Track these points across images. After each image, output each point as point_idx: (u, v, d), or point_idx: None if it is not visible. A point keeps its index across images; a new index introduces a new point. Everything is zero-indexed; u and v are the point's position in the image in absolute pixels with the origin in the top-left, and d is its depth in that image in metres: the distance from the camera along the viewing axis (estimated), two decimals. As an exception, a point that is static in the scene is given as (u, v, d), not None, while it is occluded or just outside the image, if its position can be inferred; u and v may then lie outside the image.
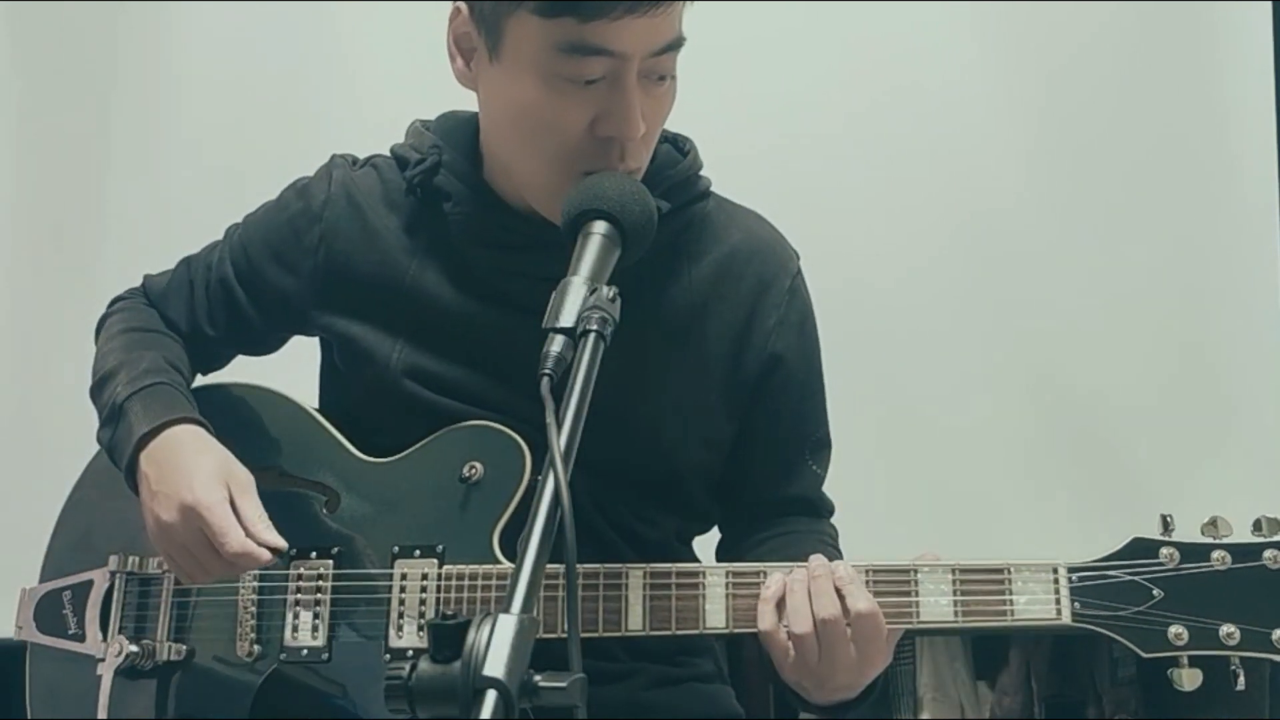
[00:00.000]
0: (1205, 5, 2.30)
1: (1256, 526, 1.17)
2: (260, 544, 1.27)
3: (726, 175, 1.47)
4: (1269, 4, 2.28)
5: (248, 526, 1.28)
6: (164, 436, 1.34)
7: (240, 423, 1.46)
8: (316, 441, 1.41)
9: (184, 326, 1.51)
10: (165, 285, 1.54)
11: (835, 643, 1.18)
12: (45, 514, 1.54)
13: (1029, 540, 2.12)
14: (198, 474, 1.29)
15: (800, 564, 1.23)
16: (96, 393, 1.44)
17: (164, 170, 2.42)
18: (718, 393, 1.40)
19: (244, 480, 1.32)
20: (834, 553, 1.40)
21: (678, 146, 1.43)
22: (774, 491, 1.44)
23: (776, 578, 1.22)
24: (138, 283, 1.58)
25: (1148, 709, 2.31)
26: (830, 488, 1.48)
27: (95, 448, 1.46)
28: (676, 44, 1.27)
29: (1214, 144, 2.28)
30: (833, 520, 1.48)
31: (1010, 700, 2.36)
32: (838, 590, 1.19)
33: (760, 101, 2.30)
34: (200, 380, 1.54)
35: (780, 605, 1.21)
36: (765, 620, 1.21)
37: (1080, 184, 2.29)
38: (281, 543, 1.28)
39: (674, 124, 1.40)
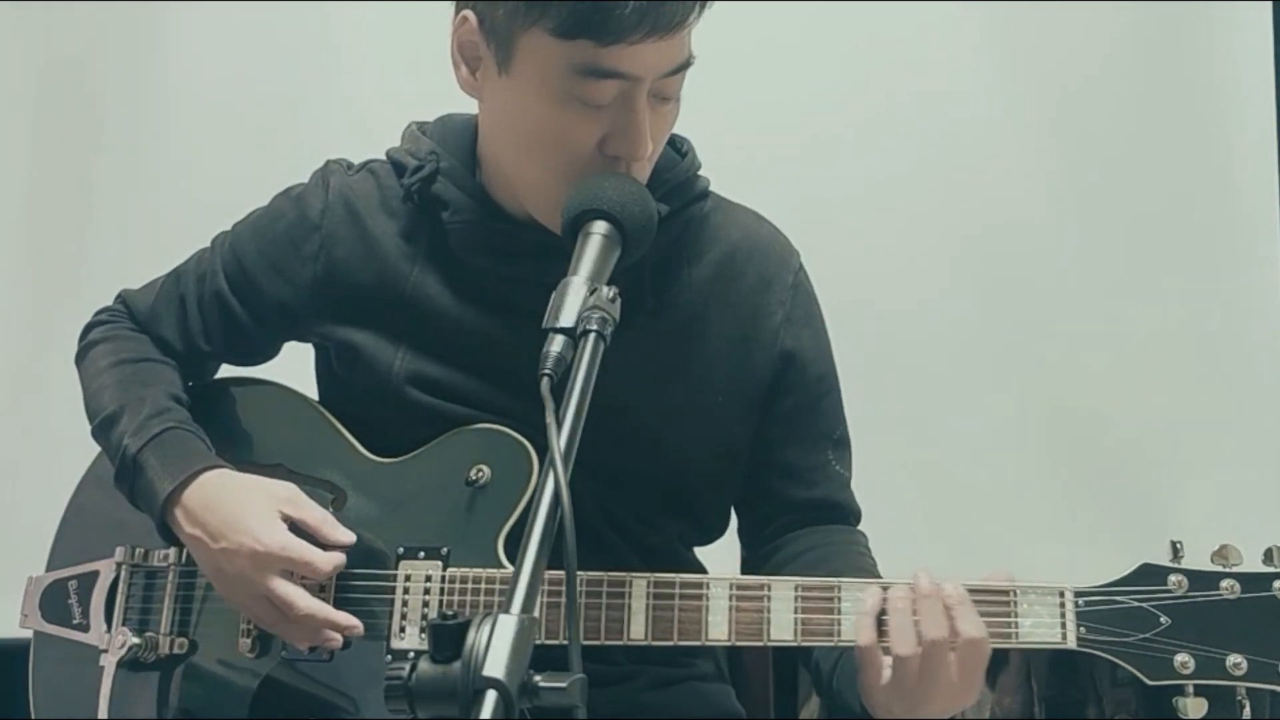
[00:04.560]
0: (1205, 5, 2.26)
1: (1267, 556, 1.16)
2: (332, 544, 1.29)
3: (729, 187, 1.46)
4: (1269, 4, 2.25)
5: (316, 531, 1.29)
6: (191, 493, 1.32)
7: (247, 419, 1.46)
8: (324, 439, 1.40)
9: (178, 345, 1.49)
10: (153, 303, 1.51)
11: (939, 665, 1.14)
12: (49, 509, 1.54)
13: (1037, 557, 2.10)
14: (250, 519, 1.28)
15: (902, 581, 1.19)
16: (100, 435, 1.42)
17: (157, 173, 2.40)
18: (724, 393, 1.39)
19: (289, 494, 1.32)
20: (870, 564, 1.38)
21: (675, 147, 1.42)
22: (800, 494, 1.41)
23: (874, 591, 1.19)
24: (136, 282, 1.55)
25: (1148, 709, 2.32)
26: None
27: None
28: (686, 65, 1.27)
29: (1213, 145, 2.25)
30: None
31: (1010, 700, 2.36)
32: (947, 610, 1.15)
33: (765, 112, 2.26)
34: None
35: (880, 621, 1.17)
36: (864, 635, 1.17)
37: (1076, 183, 2.26)
38: (350, 537, 1.30)
39: (682, 133, 1.39)
